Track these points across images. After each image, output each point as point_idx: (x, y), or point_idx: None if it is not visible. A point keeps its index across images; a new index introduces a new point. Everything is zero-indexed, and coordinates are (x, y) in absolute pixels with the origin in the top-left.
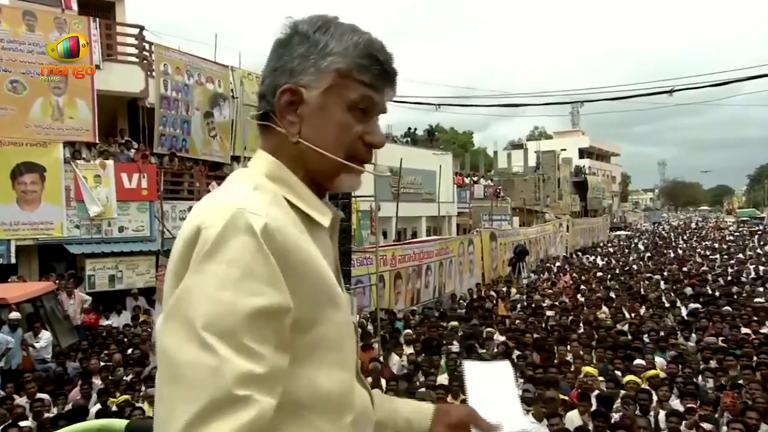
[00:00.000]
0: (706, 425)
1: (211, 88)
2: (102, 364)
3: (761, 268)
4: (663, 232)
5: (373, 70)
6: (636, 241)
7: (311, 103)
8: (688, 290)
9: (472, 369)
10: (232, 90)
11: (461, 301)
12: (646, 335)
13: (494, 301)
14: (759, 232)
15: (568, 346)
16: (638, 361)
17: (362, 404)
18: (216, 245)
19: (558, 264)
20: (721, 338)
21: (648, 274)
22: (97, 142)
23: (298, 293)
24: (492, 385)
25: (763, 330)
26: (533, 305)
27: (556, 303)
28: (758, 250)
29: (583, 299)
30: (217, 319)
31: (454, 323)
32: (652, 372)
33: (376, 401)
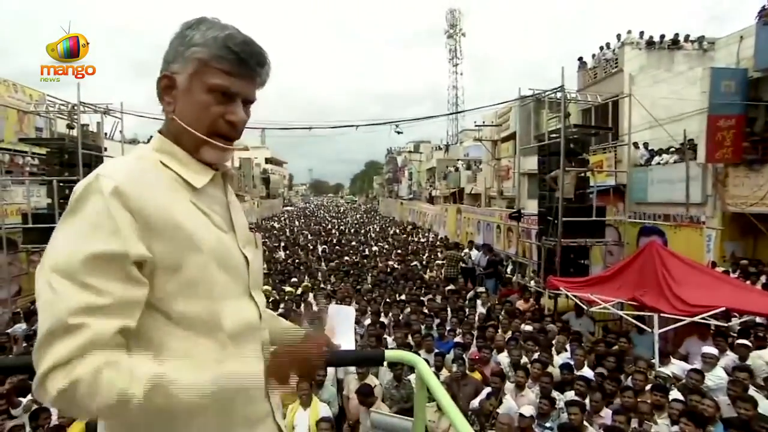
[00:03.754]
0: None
1: None
2: None
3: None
4: (310, 207)
5: (230, 59)
6: (296, 213)
7: (181, 86)
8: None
9: (332, 309)
10: None
11: None
12: (301, 266)
13: None
14: (355, 206)
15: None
16: (294, 280)
17: (241, 321)
18: (74, 205)
19: (251, 227)
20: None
21: (303, 231)
22: None
23: (160, 241)
24: (341, 321)
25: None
26: None
27: None
28: (357, 217)
29: (265, 247)
30: (61, 263)
31: None
32: (305, 284)
33: (267, 319)
